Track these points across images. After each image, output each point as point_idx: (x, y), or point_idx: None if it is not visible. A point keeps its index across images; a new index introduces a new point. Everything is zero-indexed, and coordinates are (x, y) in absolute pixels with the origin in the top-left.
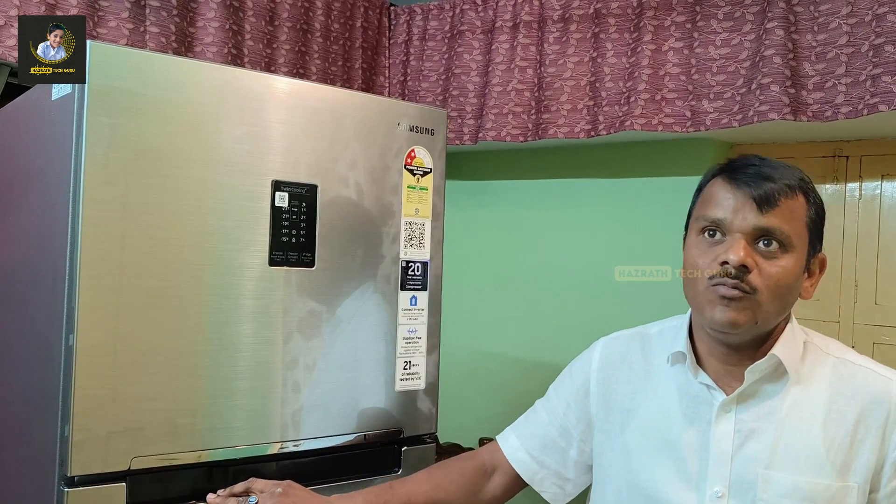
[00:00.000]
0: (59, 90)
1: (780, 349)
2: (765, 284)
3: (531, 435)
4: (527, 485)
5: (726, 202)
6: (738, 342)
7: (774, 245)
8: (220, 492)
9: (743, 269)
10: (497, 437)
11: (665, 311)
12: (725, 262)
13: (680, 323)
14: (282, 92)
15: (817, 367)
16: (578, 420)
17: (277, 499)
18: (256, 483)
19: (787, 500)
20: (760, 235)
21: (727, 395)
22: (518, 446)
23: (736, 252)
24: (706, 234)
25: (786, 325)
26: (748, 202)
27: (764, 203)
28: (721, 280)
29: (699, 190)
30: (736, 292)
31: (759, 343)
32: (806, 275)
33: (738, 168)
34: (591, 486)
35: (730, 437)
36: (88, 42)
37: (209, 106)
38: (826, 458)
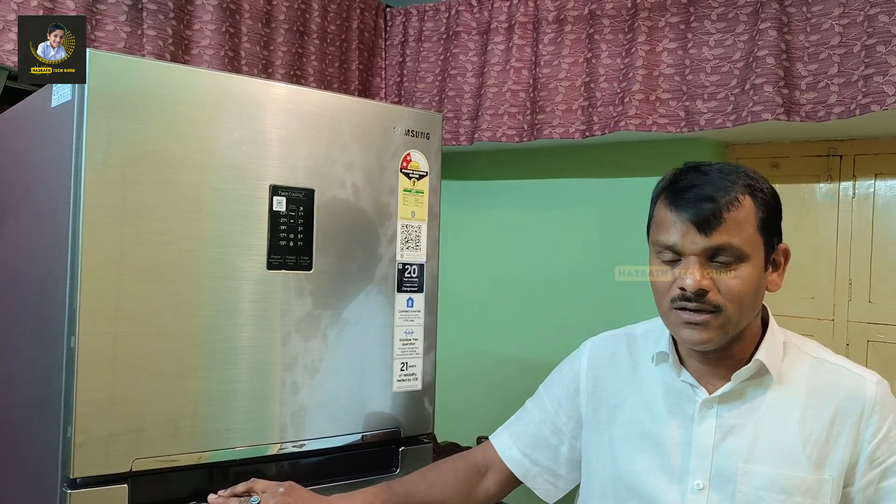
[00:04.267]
0: (60, 97)
1: (763, 354)
2: (727, 300)
3: (523, 433)
4: (520, 483)
5: (673, 227)
6: (712, 349)
7: (729, 259)
8: (221, 492)
9: (701, 293)
10: (490, 437)
11: None
12: (683, 288)
13: (663, 323)
14: (278, 97)
15: (795, 366)
16: (569, 418)
17: (280, 498)
18: (258, 483)
19: (764, 492)
20: (713, 254)
21: (709, 392)
22: (510, 445)
23: (692, 276)
24: (663, 256)
25: (765, 328)
26: (691, 227)
27: (706, 226)
28: (682, 304)
29: (653, 203)
30: (700, 317)
31: (733, 343)
32: (770, 269)
33: (678, 190)
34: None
35: (711, 433)
36: (88, 50)
37: (207, 112)
38: (802, 452)
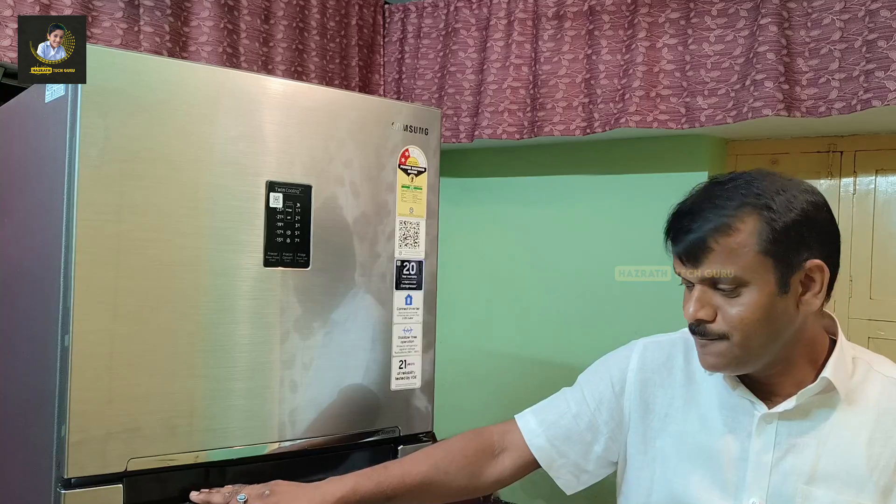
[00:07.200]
0: (53, 92)
1: (830, 371)
2: (731, 327)
3: (555, 423)
4: (536, 468)
5: (672, 257)
6: (755, 372)
7: (729, 286)
8: (203, 490)
9: (697, 323)
10: (516, 418)
11: (661, 308)
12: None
13: None
14: (275, 92)
15: (865, 385)
16: (610, 417)
17: (265, 500)
18: (244, 488)
19: None
20: (711, 282)
21: (769, 407)
22: (539, 432)
23: (689, 306)
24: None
25: (833, 344)
26: (680, 259)
27: (691, 258)
28: (692, 330)
29: None
30: (704, 340)
31: (782, 364)
32: (800, 290)
33: (673, 217)
34: (613, 483)
35: (770, 449)
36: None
37: (203, 107)
38: (869, 477)
